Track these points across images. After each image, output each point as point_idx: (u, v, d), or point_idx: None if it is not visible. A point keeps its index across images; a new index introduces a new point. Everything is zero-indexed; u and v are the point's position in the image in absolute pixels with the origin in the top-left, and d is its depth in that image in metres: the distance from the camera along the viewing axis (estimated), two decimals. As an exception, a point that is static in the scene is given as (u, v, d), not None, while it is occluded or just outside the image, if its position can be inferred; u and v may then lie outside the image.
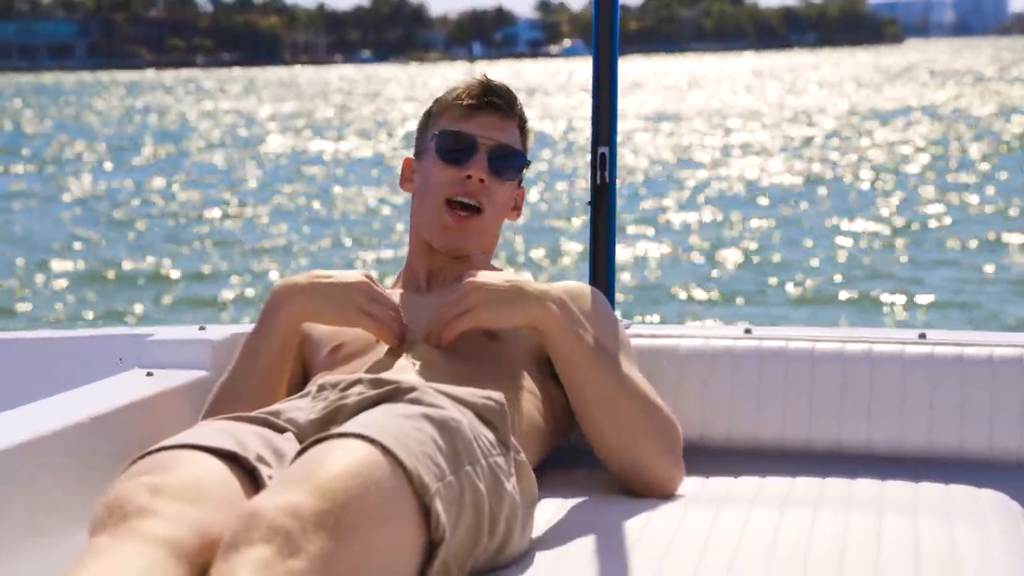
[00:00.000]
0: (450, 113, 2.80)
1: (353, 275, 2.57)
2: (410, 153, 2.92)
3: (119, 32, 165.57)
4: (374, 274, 2.62)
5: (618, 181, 3.23)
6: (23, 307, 12.89)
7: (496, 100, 2.78)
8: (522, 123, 2.84)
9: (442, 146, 2.77)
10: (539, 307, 2.52)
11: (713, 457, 2.88)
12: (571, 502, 2.54)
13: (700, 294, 12.81)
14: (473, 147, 2.75)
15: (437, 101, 2.85)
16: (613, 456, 2.58)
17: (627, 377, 2.58)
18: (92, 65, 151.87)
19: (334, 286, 2.55)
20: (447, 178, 2.76)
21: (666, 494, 2.59)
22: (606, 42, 3.12)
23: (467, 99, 2.78)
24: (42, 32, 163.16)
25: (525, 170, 2.87)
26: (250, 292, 13.48)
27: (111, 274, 14.69)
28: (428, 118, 2.86)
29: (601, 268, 3.15)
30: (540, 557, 2.26)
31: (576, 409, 2.59)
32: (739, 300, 12.50)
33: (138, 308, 12.76)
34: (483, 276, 2.54)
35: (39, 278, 14.52)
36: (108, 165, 28.47)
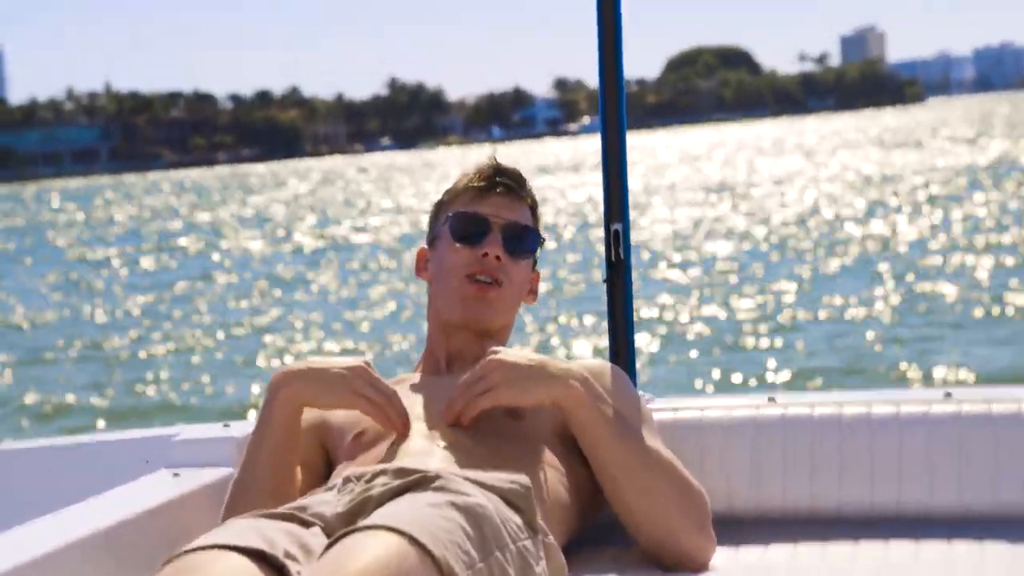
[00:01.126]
0: (462, 197, 2.84)
1: (350, 360, 2.58)
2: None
3: (141, 134, 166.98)
4: (371, 362, 2.63)
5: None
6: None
7: (507, 181, 2.83)
8: (533, 204, 2.88)
9: (456, 228, 2.81)
10: (562, 386, 2.53)
11: (743, 527, 2.87)
12: None
13: (722, 366, 12.74)
14: (487, 227, 2.79)
15: (447, 191, 2.90)
16: (642, 529, 2.57)
17: (652, 450, 2.58)
18: (115, 168, 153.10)
19: (330, 371, 2.55)
20: (464, 259, 2.79)
21: (697, 566, 2.58)
22: (614, 121, 3.15)
23: (478, 181, 2.83)
24: (65, 138, 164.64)
25: (539, 250, 2.90)
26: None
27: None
28: (440, 207, 2.91)
29: (621, 344, 3.15)
30: None
31: (603, 484, 2.59)
32: (763, 372, 12.44)
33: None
34: (504, 354, 2.55)
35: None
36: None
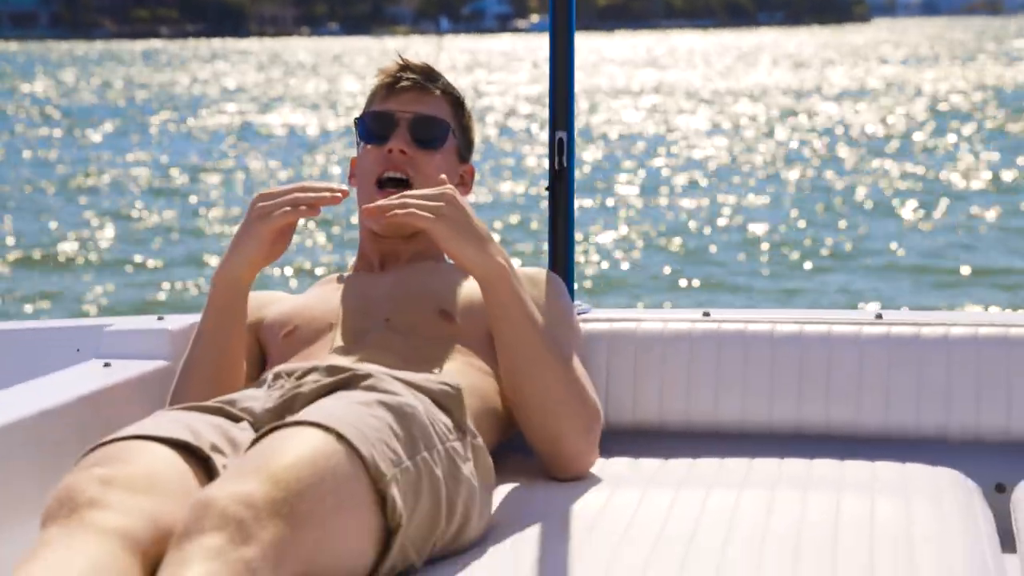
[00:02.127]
0: (374, 100, 2.83)
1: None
2: None
3: (82, 2, 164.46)
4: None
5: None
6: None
7: (412, 76, 2.81)
8: (452, 97, 2.85)
9: (366, 129, 2.80)
10: (493, 261, 2.49)
11: (673, 439, 2.90)
12: (529, 487, 2.54)
13: (661, 279, 12.78)
14: (392, 122, 2.77)
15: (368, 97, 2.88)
16: (532, 422, 2.56)
17: (562, 352, 2.56)
18: (55, 35, 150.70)
19: (239, 228, 2.53)
20: (373, 158, 2.77)
21: (574, 471, 2.58)
22: (563, 29, 3.10)
23: (384, 79, 2.82)
24: (4, 1, 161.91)
25: (459, 139, 2.85)
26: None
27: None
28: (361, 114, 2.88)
29: (560, 254, 3.13)
30: (498, 542, 2.27)
31: (504, 369, 2.56)
32: (697, 283, 12.49)
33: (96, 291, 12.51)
34: (465, 201, 2.52)
35: None
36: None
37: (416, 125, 2.77)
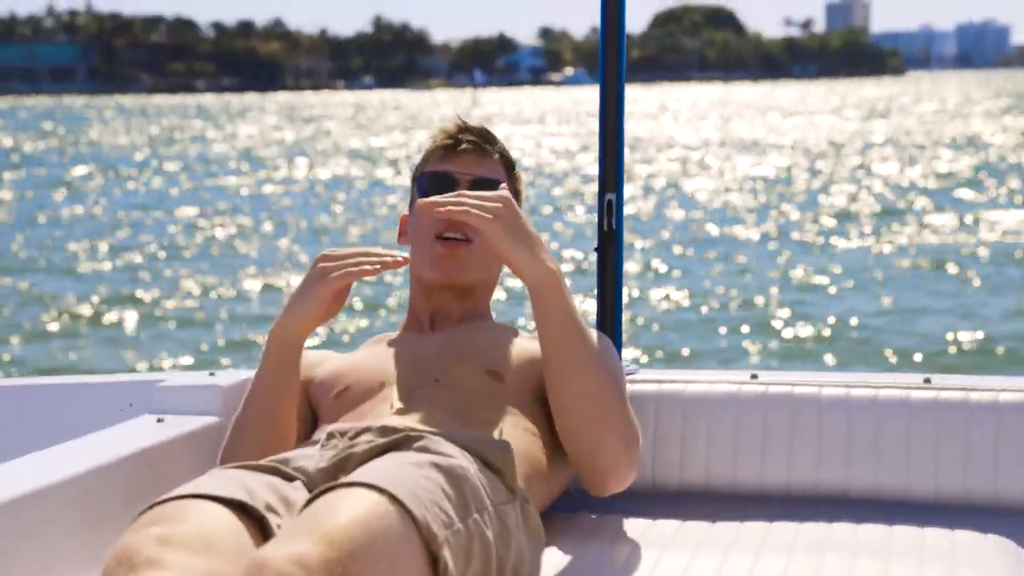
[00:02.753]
0: (431, 159, 2.85)
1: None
2: None
3: (120, 56, 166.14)
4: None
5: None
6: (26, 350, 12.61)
7: (471, 138, 2.83)
8: (507, 161, 2.87)
9: (425, 189, 2.81)
10: (545, 268, 2.51)
11: (719, 502, 2.88)
12: (577, 548, 2.54)
13: (709, 340, 12.69)
14: (452, 183, 2.79)
15: (422, 157, 2.91)
16: (573, 429, 2.55)
17: (609, 372, 2.57)
18: (92, 88, 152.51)
19: (300, 286, 2.57)
20: (432, 218, 2.76)
21: (610, 485, 2.60)
22: (613, 93, 3.12)
23: (444, 140, 2.84)
24: (44, 55, 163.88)
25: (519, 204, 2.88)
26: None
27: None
28: (415, 172, 2.91)
29: (608, 315, 3.14)
30: None
31: (550, 377, 2.56)
32: (748, 346, 12.41)
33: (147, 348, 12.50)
34: (520, 209, 2.55)
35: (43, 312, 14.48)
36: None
37: (475, 187, 2.78)
